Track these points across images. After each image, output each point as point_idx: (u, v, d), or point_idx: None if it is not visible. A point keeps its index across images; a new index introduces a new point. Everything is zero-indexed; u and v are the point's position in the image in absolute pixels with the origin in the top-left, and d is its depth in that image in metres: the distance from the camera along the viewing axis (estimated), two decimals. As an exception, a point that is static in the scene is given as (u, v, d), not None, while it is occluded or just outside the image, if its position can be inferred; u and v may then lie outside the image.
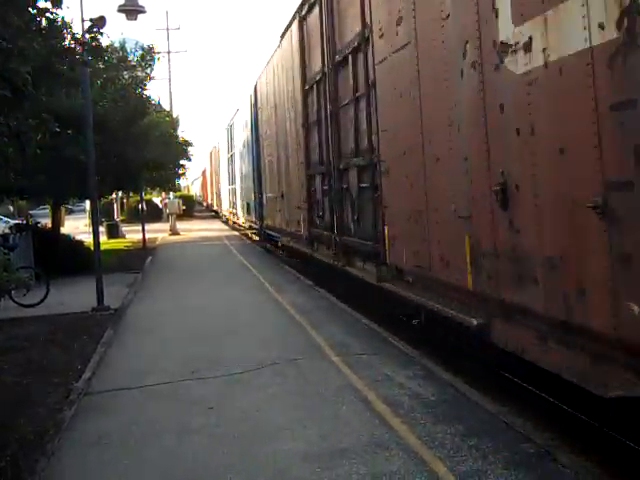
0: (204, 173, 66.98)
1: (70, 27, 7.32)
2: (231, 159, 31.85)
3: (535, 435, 5.29)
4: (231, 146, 31.64)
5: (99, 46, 6.90)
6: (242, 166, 26.78)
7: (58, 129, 7.43)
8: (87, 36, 6.96)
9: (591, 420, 5.58)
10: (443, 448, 5.04)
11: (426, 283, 7.43)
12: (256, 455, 5.12)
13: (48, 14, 6.48)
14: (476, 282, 6.04)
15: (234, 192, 31.35)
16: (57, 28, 6.76)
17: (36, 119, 6.86)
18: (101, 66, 18.61)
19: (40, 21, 6.56)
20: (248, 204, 24.98)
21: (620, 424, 5.13)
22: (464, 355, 7.27)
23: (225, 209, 39.83)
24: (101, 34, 6.99)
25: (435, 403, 6.07)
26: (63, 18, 7.17)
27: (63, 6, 6.40)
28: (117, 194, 37.09)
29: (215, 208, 51.37)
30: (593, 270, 4.32)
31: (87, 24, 7.05)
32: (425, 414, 5.79)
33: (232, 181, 31.91)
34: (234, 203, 31.94)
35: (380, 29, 8.28)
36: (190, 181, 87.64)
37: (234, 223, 35.28)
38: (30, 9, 6.34)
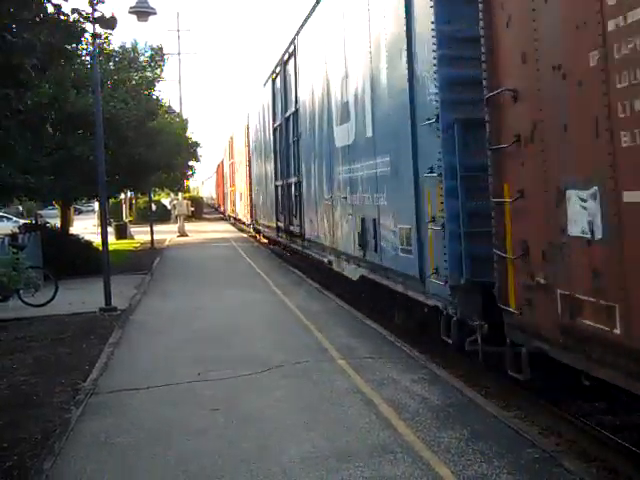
0: (219, 170, 53.08)
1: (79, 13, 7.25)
2: (280, 130, 17.79)
3: (540, 440, 5.29)
4: (284, 107, 17.02)
5: (104, 17, 6.75)
6: (327, 134, 11.84)
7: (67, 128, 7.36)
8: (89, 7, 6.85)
9: (596, 426, 5.57)
10: (448, 452, 5.04)
11: None
12: (261, 458, 5.14)
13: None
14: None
15: (287, 191, 17.02)
16: (64, 18, 6.68)
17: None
18: (112, 67, 18.77)
19: (46, 8, 6.49)
20: (364, 221, 9.65)
21: (626, 431, 5.12)
22: (469, 359, 7.25)
23: (265, 223, 22.65)
24: (102, 2, 6.85)
25: (440, 407, 6.07)
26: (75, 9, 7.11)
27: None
28: (126, 194, 37.20)
29: (241, 217, 33.29)
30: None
31: (97, 15, 6.92)
32: (430, 418, 5.79)
33: (284, 173, 17.35)
34: (297, 220, 15.85)
35: None
36: (200, 182, 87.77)
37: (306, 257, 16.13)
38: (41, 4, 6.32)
